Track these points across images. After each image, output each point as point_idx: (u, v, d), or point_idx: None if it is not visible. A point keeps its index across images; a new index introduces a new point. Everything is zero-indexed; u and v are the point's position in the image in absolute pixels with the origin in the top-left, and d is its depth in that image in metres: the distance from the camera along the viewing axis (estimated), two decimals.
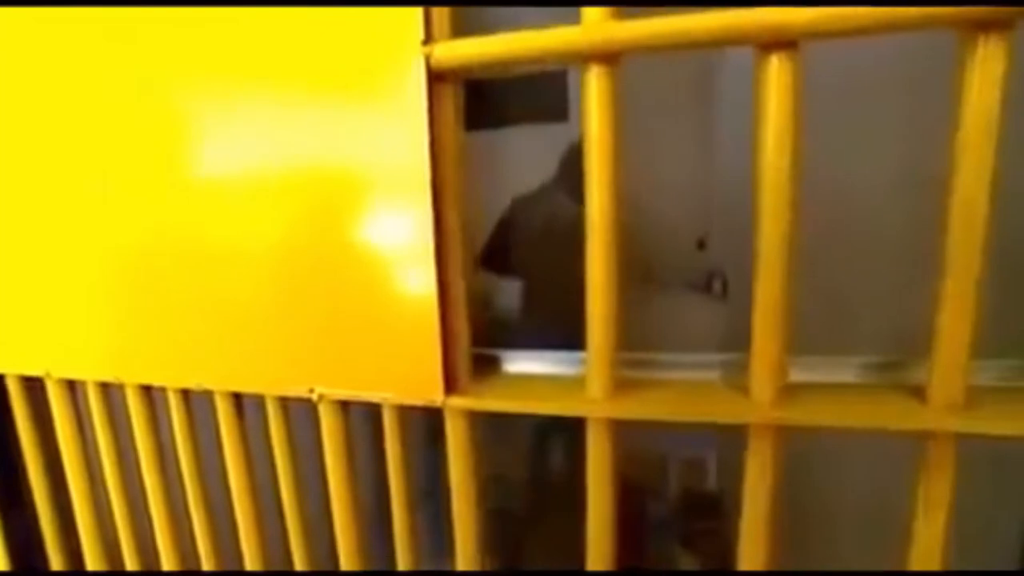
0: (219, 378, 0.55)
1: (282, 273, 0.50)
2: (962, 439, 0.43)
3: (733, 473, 2.00)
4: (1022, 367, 0.45)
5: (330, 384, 0.51)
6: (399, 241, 0.47)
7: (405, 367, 0.48)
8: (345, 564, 0.58)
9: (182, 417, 0.59)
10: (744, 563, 0.47)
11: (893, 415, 0.43)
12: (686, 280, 2.06)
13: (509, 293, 2.01)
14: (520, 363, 0.54)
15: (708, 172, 2.04)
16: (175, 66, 0.49)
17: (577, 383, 0.48)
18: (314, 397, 0.52)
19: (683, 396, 0.47)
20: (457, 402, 0.49)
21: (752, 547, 0.47)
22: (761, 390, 0.45)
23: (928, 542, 0.44)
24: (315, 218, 0.49)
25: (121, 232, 0.54)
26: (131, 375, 0.58)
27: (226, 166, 0.50)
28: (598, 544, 0.49)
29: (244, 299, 0.52)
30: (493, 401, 0.49)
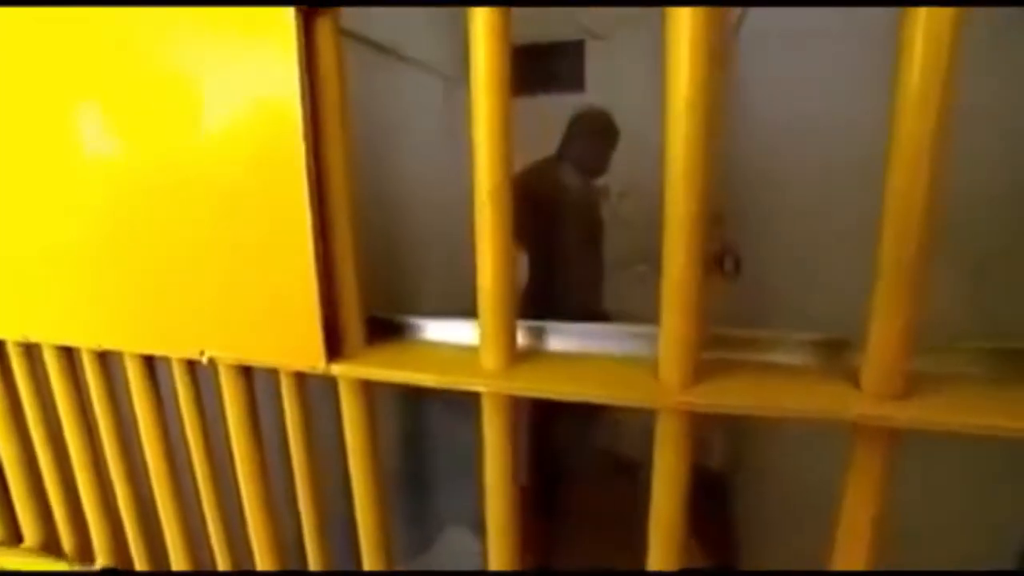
0: (121, 339, 0.53)
1: (172, 232, 0.47)
2: (897, 431, 0.37)
3: (738, 453, 1.94)
4: (978, 354, 0.38)
5: (221, 348, 0.49)
6: (274, 196, 0.43)
7: (287, 331, 0.45)
8: (258, 548, 0.56)
9: (96, 377, 0.57)
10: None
11: (822, 403, 0.37)
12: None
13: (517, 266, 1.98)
14: (441, 331, 0.50)
15: (725, 146, 1.92)
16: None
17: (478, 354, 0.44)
18: (204, 360, 0.49)
19: (585, 374, 0.42)
20: (341, 369, 0.45)
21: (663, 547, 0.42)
22: (670, 371, 0.39)
23: (852, 546, 0.39)
24: (198, 172, 0.45)
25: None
26: (43, 335, 0.57)
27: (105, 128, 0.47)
28: (495, 524, 0.45)
29: (137, 260, 0.49)
30: (379, 370, 0.45)
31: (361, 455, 0.48)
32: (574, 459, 2.04)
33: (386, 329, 0.50)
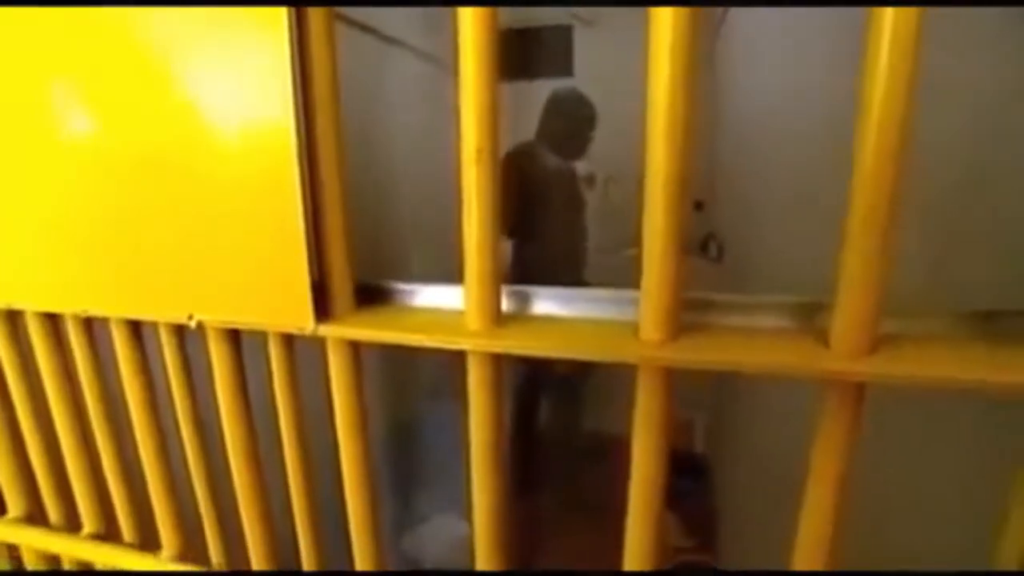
0: (106, 304, 0.53)
1: (159, 196, 0.47)
2: (863, 385, 0.38)
3: (721, 435, 1.99)
4: (942, 317, 0.40)
5: (209, 311, 0.49)
6: (263, 158, 0.43)
7: (276, 294, 0.46)
8: (246, 509, 0.57)
9: (81, 344, 0.57)
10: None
11: (793, 359, 0.39)
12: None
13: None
14: (429, 296, 0.51)
15: (706, 135, 1.94)
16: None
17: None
18: (192, 324, 0.50)
19: (570, 332, 0.44)
20: (329, 331, 0.46)
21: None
22: (649, 330, 0.41)
23: (820, 502, 0.40)
24: (186, 136, 0.45)
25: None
26: (26, 302, 0.57)
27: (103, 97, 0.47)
28: (481, 486, 0.47)
29: (123, 224, 0.49)
30: (366, 331, 0.46)
31: (348, 417, 0.49)
32: (560, 441, 2.07)
33: (374, 295, 0.51)
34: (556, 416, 2.07)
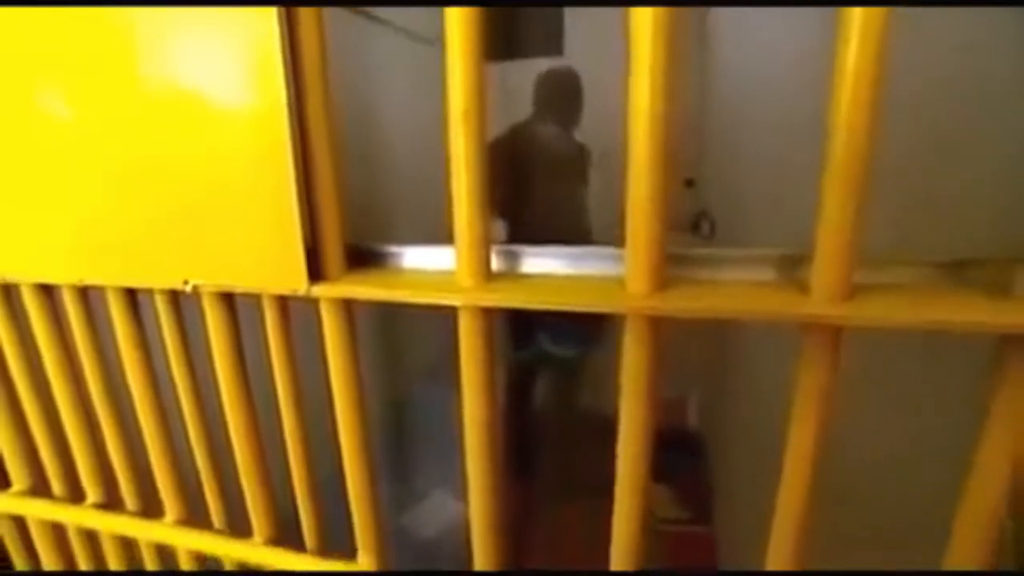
0: (102, 273, 0.54)
1: (153, 163, 0.48)
2: (841, 329, 0.40)
3: (715, 413, 2.01)
4: (917, 266, 0.42)
5: (204, 276, 0.50)
6: (255, 123, 0.44)
7: (269, 257, 0.47)
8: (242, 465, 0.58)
9: (78, 314, 0.58)
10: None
11: (774, 305, 0.41)
12: (673, 219, 2.00)
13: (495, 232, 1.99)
14: (420, 257, 0.52)
15: (698, 112, 1.95)
16: None
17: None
18: (188, 289, 0.50)
19: (559, 286, 0.45)
20: (323, 291, 0.47)
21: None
22: (636, 281, 0.42)
23: (803, 441, 0.42)
24: (177, 101, 0.46)
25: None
26: (21, 273, 0.57)
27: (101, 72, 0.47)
28: (475, 434, 0.48)
29: (117, 192, 0.50)
30: (359, 289, 0.47)
31: (343, 378, 0.51)
32: (555, 420, 2.09)
33: (366, 258, 0.51)
34: (554, 397, 2.09)
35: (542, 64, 2.05)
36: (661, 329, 0.43)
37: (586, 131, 1.91)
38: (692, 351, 1.85)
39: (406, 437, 2.17)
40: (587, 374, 1.97)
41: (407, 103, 2.17)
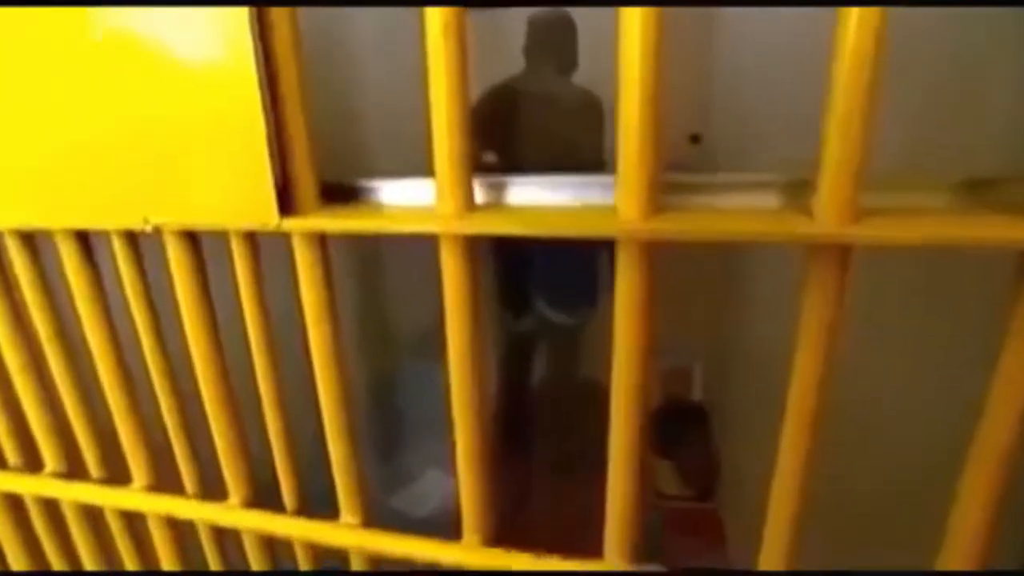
0: (50, 216, 0.49)
1: (108, 96, 0.44)
2: (846, 249, 0.38)
3: (718, 384, 2.00)
4: (921, 187, 0.40)
5: (166, 214, 0.46)
6: (221, 52, 0.40)
7: (237, 191, 0.43)
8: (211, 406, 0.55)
9: (24, 262, 0.54)
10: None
11: (779, 227, 0.38)
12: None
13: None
14: (398, 191, 0.48)
15: (705, 66, 1.90)
16: None
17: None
18: (148, 228, 0.46)
19: (546, 214, 0.42)
20: (294, 224, 0.43)
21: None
22: (628, 205, 0.39)
23: (810, 368, 0.40)
24: (139, 34, 0.42)
25: None
26: None
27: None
28: (458, 370, 0.45)
29: (67, 129, 0.45)
30: (332, 221, 0.43)
31: (317, 313, 0.47)
32: (554, 392, 2.06)
33: (343, 193, 0.48)
34: (553, 369, 2.06)
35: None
36: (655, 257, 0.41)
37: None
38: (695, 319, 1.81)
39: (396, 416, 2.14)
40: (586, 346, 1.94)
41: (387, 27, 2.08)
